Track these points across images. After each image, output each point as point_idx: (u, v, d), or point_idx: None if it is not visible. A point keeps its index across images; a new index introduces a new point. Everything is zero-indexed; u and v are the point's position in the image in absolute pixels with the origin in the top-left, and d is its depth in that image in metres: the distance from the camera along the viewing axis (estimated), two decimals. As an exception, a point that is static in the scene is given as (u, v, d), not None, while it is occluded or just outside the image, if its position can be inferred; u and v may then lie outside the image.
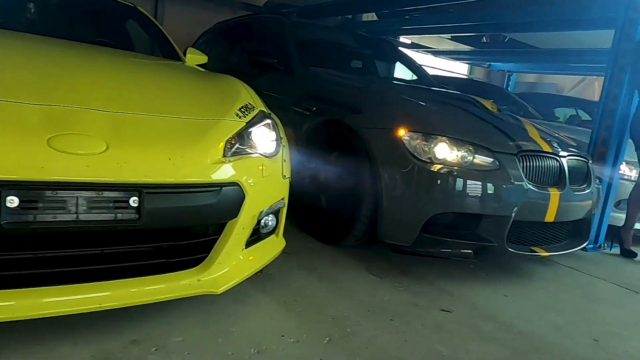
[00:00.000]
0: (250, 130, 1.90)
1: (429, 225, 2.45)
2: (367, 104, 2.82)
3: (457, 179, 2.42)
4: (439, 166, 2.43)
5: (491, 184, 2.45)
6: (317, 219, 2.93)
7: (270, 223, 2.02)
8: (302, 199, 3.08)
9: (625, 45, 3.62)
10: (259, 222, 1.92)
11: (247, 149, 1.83)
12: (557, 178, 2.67)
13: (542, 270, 2.98)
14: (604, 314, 2.40)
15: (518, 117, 3.20)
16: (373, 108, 2.77)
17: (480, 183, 2.44)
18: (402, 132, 2.51)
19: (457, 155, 2.47)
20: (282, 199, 2.05)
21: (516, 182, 2.49)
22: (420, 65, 4.74)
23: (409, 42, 8.57)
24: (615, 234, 3.78)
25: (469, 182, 2.43)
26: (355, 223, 2.63)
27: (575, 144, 3.12)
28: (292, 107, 3.28)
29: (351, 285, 2.26)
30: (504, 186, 2.47)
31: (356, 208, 2.63)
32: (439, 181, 2.42)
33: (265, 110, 2.13)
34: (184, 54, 2.94)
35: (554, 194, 2.60)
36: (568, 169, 2.72)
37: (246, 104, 2.04)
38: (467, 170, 2.45)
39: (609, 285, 2.89)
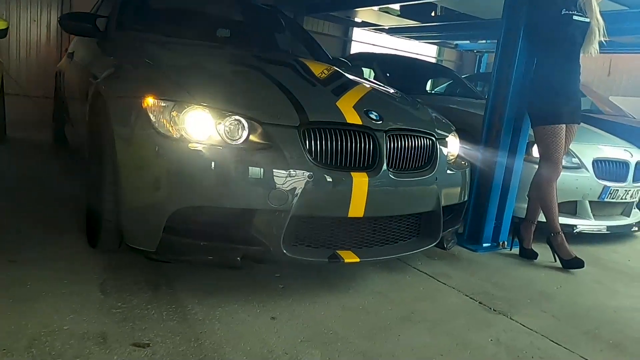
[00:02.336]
0: None
1: (179, 223, 1.83)
2: (129, 68, 2.20)
3: (208, 161, 1.80)
4: (189, 144, 1.80)
5: (256, 168, 1.81)
6: (86, 216, 2.34)
7: None
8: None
9: (520, -4, 2.92)
10: None
11: None
12: (371, 159, 2.01)
13: (379, 279, 2.32)
14: (401, 344, 1.74)
15: (358, 83, 2.51)
16: (131, 72, 2.16)
17: (241, 166, 1.80)
18: (149, 101, 1.88)
19: (217, 130, 1.84)
20: None
21: (295, 165, 1.84)
22: (312, 38, 4.08)
23: (359, 20, 7.90)
24: (516, 230, 3.09)
25: (224, 165, 1.80)
26: (101, 221, 2.02)
27: (429, 117, 2.44)
28: (89, 79, 2.67)
29: (41, 307, 1.65)
30: (276, 170, 1.83)
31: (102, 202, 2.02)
32: (183, 164, 1.80)
33: None
34: None
35: (360, 180, 1.94)
36: (389, 148, 2.05)
37: None
38: (225, 150, 1.81)
39: (460, 299, 2.22)
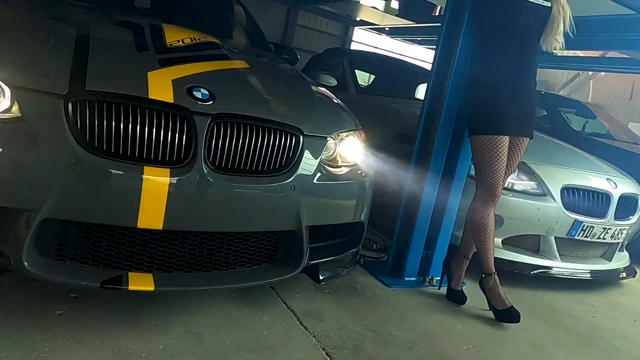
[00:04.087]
0: None
1: None
2: None
3: None
4: None
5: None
6: None
7: None
8: None
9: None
10: None
11: None
12: (183, 151, 1.46)
13: (219, 313, 1.76)
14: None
15: (226, 59, 1.97)
16: None
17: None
18: None
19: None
20: None
21: (51, 148, 1.32)
22: (256, 25, 3.56)
23: (359, 19, 7.35)
24: (445, 265, 2.46)
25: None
26: None
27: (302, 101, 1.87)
28: None
29: None
30: (19, 154, 1.31)
31: None
32: None
33: None
34: None
35: (156, 177, 1.39)
36: (217, 139, 1.50)
37: None
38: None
39: (308, 354, 1.63)
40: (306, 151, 1.70)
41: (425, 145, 2.44)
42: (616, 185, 2.94)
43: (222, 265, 1.63)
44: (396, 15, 6.50)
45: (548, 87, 7.92)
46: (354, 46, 8.00)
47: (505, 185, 2.70)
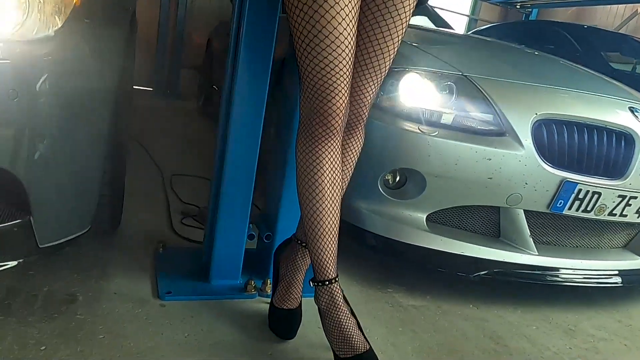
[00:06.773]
0: None
1: None
2: None
3: None
4: None
5: None
6: None
7: None
8: None
9: None
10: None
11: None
12: None
13: None
14: None
15: None
16: None
17: None
18: None
19: None
20: None
21: None
22: None
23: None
24: (275, 260, 1.29)
25: None
26: None
27: None
28: None
29: None
30: None
31: None
32: None
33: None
34: None
35: None
36: None
37: None
38: None
39: None
40: None
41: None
42: (644, 118, 1.63)
43: None
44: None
45: (597, 32, 6.26)
46: None
47: (409, 107, 1.50)
